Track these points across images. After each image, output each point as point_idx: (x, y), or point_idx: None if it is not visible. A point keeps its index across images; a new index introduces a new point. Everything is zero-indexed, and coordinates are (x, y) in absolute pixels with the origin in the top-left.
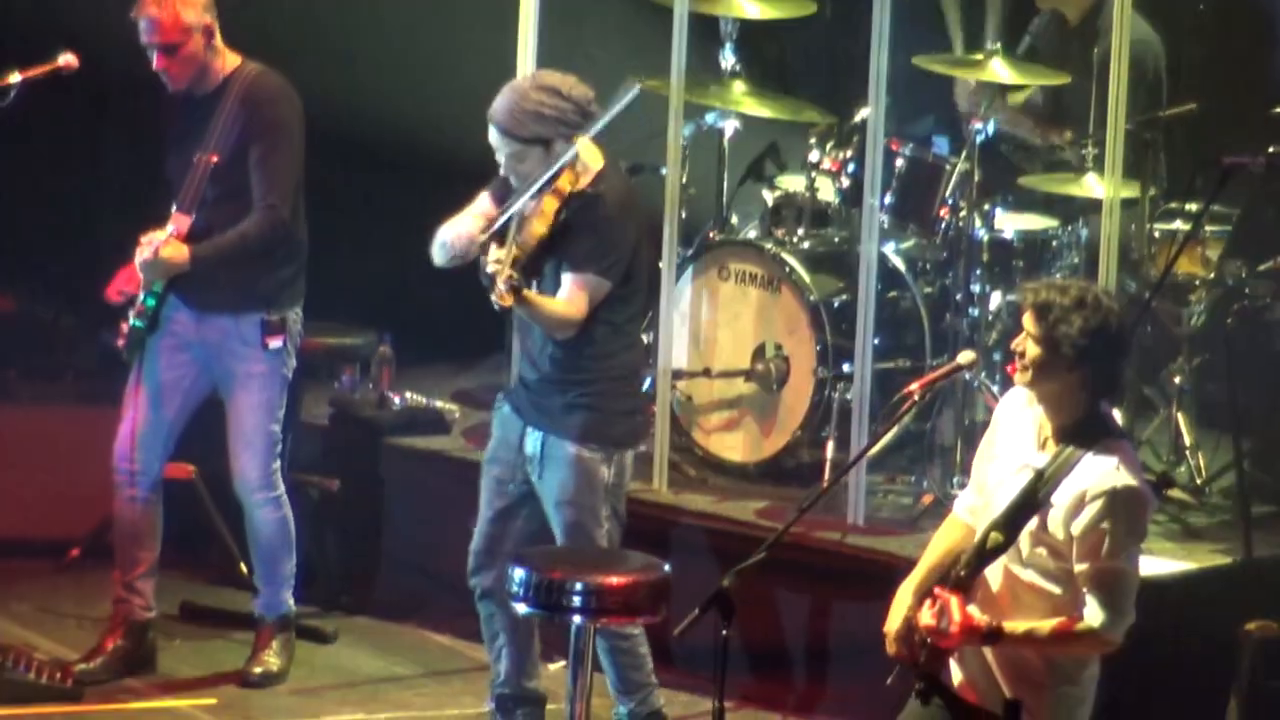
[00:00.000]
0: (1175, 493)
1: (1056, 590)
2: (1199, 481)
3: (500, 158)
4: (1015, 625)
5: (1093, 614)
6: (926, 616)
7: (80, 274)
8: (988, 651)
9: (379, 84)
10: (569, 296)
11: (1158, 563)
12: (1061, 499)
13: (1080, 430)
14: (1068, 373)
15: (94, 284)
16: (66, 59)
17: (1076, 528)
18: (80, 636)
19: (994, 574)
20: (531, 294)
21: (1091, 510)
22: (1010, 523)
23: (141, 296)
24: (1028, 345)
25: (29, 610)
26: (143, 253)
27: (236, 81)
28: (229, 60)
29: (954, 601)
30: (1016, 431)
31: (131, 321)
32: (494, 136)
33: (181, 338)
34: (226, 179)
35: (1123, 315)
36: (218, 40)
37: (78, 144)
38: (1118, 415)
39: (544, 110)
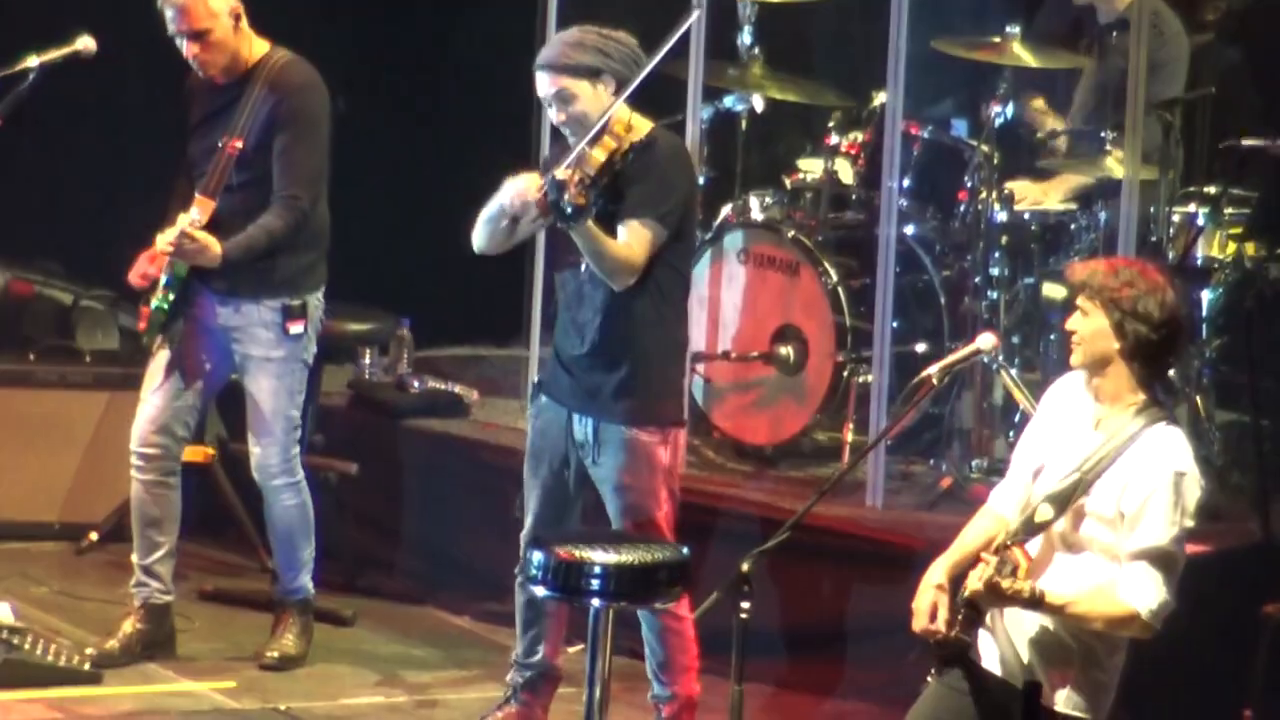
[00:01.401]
0: None
1: (1103, 571)
2: (1218, 464)
3: (551, 112)
4: (1057, 596)
5: (1135, 595)
6: (974, 580)
7: (100, 257)
8: (1015, 630)
9: (400, 67)
10: (627, 240)
11: None
12: (1113, 478)
13: (1134, 412)
14: (1119, 350)
15: (114, 267)
16: (85, 43)
17: (1128, 507)
18: (99, 620)
19: (1042, 552)
20: (592, 225)
21: (1143, 491)
22: (1061, 498)
23: (163, 280)
24: (1079, 322)
25: (48, 593)
26: (167, 237)
27: (264, 68)
28: (257, 46)
29: (1018, 551)
30: (1069, 415)
31: (153, 305)
32: (543, 83)
33: (202, 322)
34: (251, 165)
35: (1175, 295)
36: (244, 24)
37: (98, 127)
38: None
39: (587, 40)
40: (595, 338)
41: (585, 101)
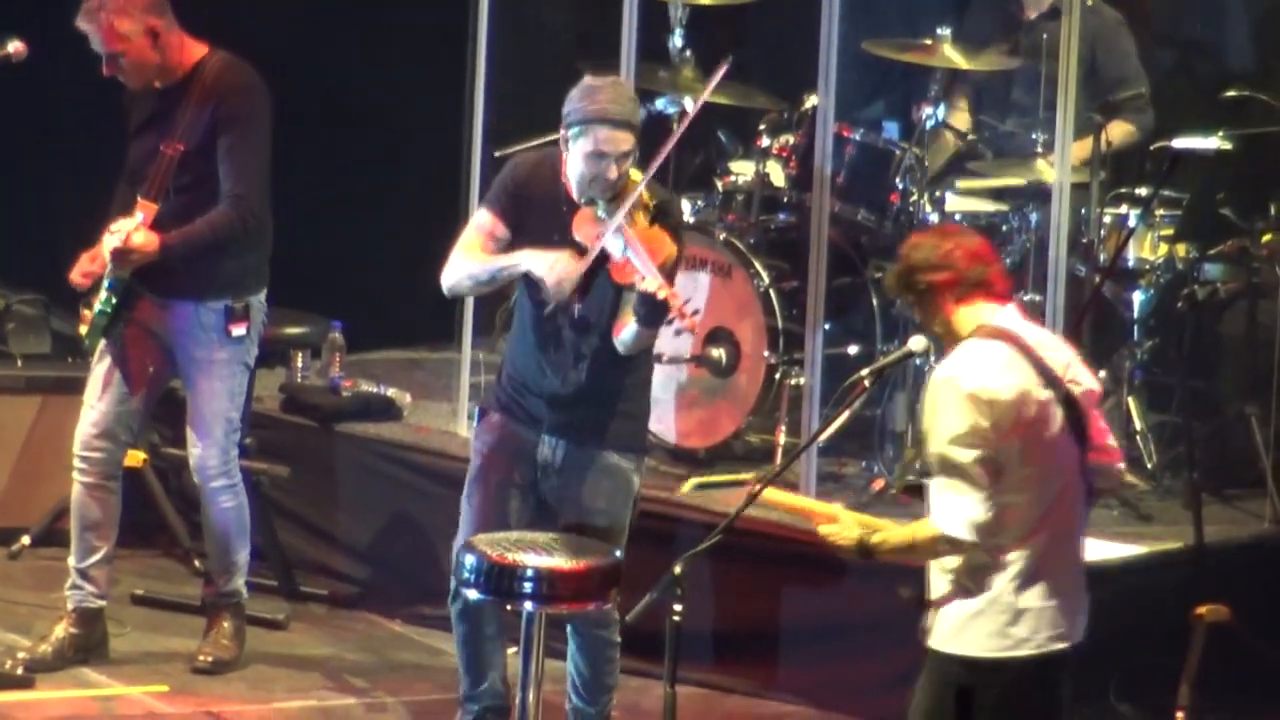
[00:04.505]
0: (1127, 477)
1: None
2: (1150, 466)
3: (610, 165)
4: (879, 539)
5: (936, 516)
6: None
7: (32, 261)
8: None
9: (333, 68)
10: None
11: (1109, 547)
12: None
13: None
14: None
15: (45, 271)
16: (15, 46)
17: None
18: (32, 624)
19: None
20: None
21: (921, 410)
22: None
23: (105, 283)
24: None
25: None
26: (112, 241)
27: (203, 71)
28: (193, 50)
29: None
30: None
31: (95, 309)
32: (619, 140)
33: (144, 325)
34: (194, 168)
35: (905, 251)
36: (172, 36)
37: (29, 131)
38: None
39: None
40: (581, 379)
41: (627, 168)
